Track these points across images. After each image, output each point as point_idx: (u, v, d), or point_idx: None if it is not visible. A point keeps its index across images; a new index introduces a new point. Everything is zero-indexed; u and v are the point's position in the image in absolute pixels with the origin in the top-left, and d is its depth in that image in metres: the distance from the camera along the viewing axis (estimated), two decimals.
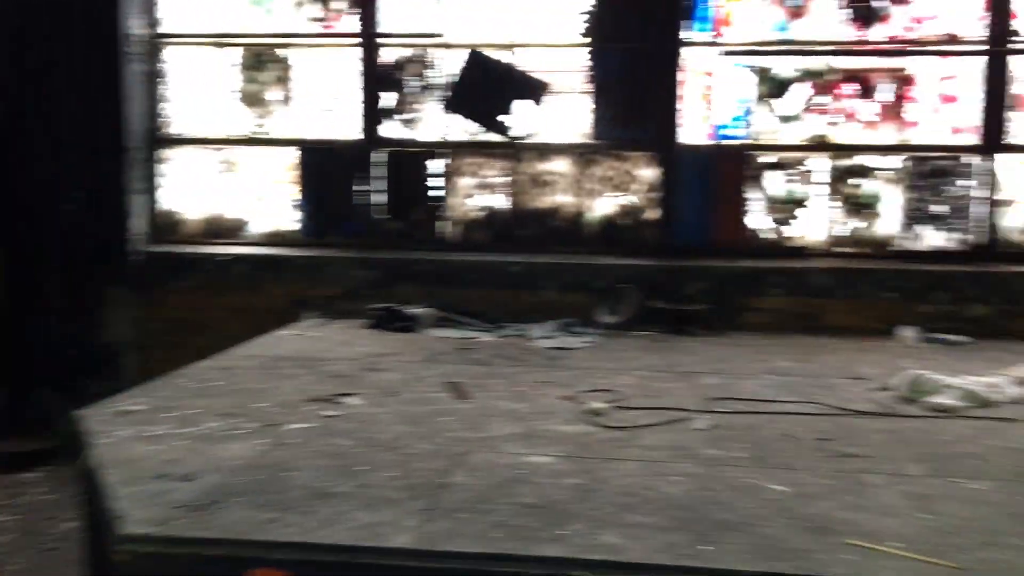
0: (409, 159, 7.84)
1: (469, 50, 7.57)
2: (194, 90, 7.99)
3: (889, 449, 3.93)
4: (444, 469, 3.56)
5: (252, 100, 7.99)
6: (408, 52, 7.78)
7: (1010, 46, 7.08)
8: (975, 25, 7.13)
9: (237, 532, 2.92)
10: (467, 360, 5.73)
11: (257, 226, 8.06)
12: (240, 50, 7.94)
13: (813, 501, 3.27)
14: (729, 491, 3.36)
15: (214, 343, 5.98)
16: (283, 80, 7.93)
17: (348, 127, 7.81)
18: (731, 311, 6.99)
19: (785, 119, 7.44)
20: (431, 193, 7.84)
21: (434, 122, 7.79)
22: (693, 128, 7.47)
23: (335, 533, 2.91)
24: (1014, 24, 7.08)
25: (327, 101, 7.87)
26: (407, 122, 7.82)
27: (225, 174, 8.04)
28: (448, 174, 7.80)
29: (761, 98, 7.43)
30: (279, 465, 3.58)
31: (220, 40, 7.91)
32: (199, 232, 8.06)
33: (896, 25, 7.25)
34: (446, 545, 2.84)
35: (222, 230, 8.04)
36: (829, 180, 7.36)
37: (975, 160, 7.20)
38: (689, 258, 7.29)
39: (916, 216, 7.34)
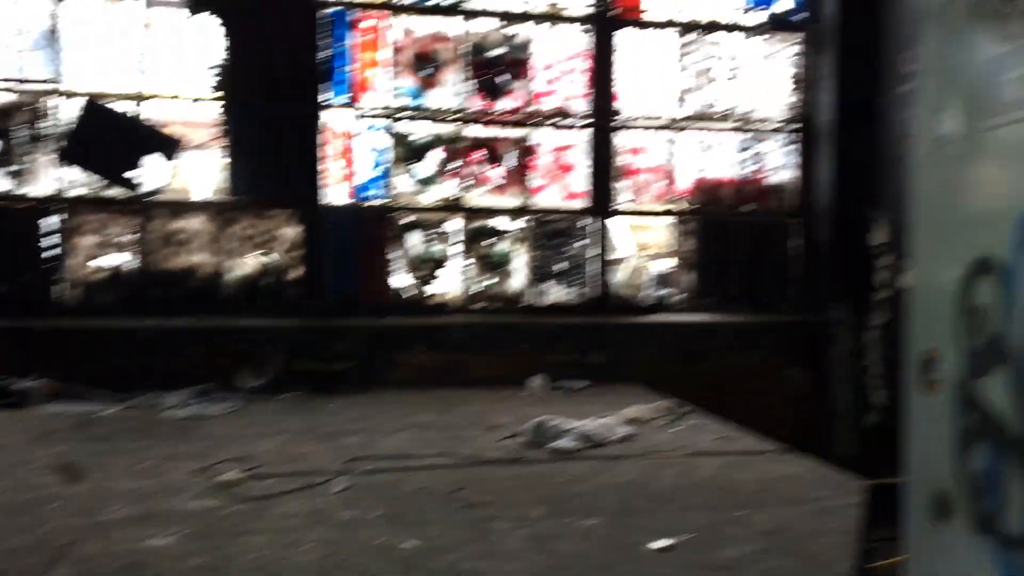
0: (17, 215, 7.02)
1: (87, 99, 7.01)
2: None
3: (515, 494, 4.16)
4: (45, 564, 3.16)
5: None
6: (16, 99, 7.03)
7: (612, 123, 8.00)
8: (584, 102, 7.98)
9: None
10: (86, 437, 5.20)
11: None
12: None
13: (442, 554, 3.35)
14: (362, 553, 3.34)
15: None
16: None
17: None
18: (377, 369, 7.06)
19: (422, 182, 7.76)
20: (45, 253, 7.08)
21: (49, 175, 7.07)
22: (336, 188, 7.53)
23: None
24: (615, 104, 8.01)
25: None
26: (15, 174, 7.03)
27: None
28: (66, 231, 7.10)
29: (399, 161, 7.69)
30: None
31: None
32: None
33: (519, 98, 7.90)
34: None
35: None
36: (464, 240, 7.78)
37: (588, 222, 8.00)
38: (334, 317, 7.28)
39: (541, 273, 7.98)
